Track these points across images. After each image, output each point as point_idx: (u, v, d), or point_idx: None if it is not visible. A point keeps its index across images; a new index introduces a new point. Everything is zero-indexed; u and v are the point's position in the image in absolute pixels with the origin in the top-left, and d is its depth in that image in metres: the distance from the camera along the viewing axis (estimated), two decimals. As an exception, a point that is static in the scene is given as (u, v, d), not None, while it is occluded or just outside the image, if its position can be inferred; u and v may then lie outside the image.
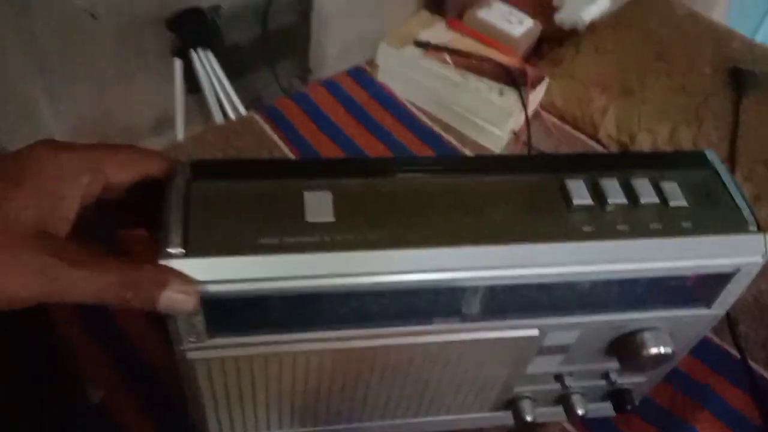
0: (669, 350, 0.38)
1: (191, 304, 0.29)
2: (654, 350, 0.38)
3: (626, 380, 0.44)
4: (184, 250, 0.30)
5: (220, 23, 1.09)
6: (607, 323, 0.38)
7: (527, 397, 0.44)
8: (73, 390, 0.47)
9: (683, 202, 0.35)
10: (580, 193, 0.34)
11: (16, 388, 0.44)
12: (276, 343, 0.35)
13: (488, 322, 0.36)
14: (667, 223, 0.35)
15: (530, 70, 0.73)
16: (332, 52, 1.31)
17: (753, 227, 0.35)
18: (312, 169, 0.35)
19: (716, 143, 0.70)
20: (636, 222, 0.34)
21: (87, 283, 0.26)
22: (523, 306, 0.35)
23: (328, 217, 0.32)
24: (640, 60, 0.77)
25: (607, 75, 0.76)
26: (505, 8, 0.81)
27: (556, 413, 0.46)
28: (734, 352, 0.56)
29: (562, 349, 0.39)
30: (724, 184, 0.37)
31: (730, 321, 0.58)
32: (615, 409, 0.46)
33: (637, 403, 0.46)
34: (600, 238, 0.34)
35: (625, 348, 0.39)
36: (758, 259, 0.35)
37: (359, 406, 0.42)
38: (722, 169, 0.38)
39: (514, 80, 0.71)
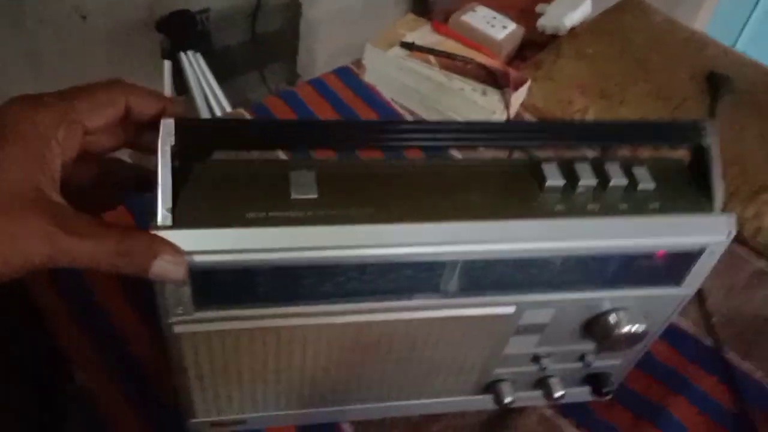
0: (641, 328, 0.39)
1: (180, 274, 0.30)
2: (627, 328, 0.39)
3: (602, 363, 0.45)
4: (171, 223, 0.31)
5: (209, 26, 1.10)
6: (580, 302, 0.39)
7: (506, 380, 0.45)
8: (70, 387, 0.47)
9: (651, 185, 0.37)
10: (552, 174, 0.36)
11: (17, 388, 0.44)
12: (261, 317, 0.36)
13: (466, 298, 0.37)
14: (635, 203, 0.36)
15: (513, 72, 0.75)
16: (321, 57, 1.32)
17: (718, 209, 0.37)
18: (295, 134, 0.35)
19: (692, 144, 0.72)
20: (606, 202, 0.36)
21: (85, 251, 0.27)
22: (499, 283, 0.37)
23: (312, 194, 0.34)
24: (618, 64, 0.79)
25: (586, 78, 0.78)
26: (489, 13, 0.83)
27: (535, 397, 0.48)
28: (709, 343, 0.58)
29: (538, 328, 0.41)
30: (706, 163, 0.38)
31: (704, 313, 0.60)
32: (593, 392, 0.47)
33: (615, 386, 0.47)
34: (571, 216, 0.35)
35: (599, 328, 0.40)
36: (722, 239, 0.37)
37: (343, 387, 0.43)
38: (715, 144, 0.38)
39: (497, 82, 0.73)
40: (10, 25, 0.84)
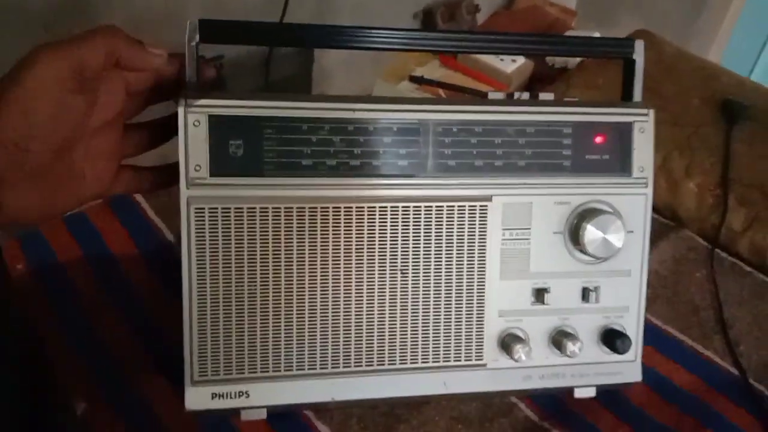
0: (615, 219, 0.45)
1: (165, 54, 0.40)
2: (600, 219, 0.44)
3: (611, 305, 0.47)
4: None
5: (224, 72, 1.12)
6: (550, 189, 0.45)
7: (519, 337, 0.46)
8: (57, 402, 0.46)
9: (575, 99, 0.47)
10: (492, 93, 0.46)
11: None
12: (267, 186, 0.41)
13: (442, 179, 0.43)
14: (566, 104, 0.46)
15: (522, 103, 0.74)
16: (333, 102, 1.33)
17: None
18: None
19: (709, 169, 0.71)
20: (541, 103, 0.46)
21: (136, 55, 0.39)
22: (472, 166, 0.44)
23: None
24: (630, 93, 0.78)
25: (598, 108, 0.77)
26: (497, 47, 0.83)
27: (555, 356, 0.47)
28: (736, 371, 0.55)
29: (523, 227, 0.45)
30: (632, 72, 0.48)
31: (729, 342, 0.57)
32: (610, 347, 0.47)
33: (630, 344, 0.46)
34: (519, 105, 0.45)
35: (579, 227, 0.45)
36: (644, 111, 0.47)
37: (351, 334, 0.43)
38: (639, 58, 0.48)
39: (507, 112, 0.73)
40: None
